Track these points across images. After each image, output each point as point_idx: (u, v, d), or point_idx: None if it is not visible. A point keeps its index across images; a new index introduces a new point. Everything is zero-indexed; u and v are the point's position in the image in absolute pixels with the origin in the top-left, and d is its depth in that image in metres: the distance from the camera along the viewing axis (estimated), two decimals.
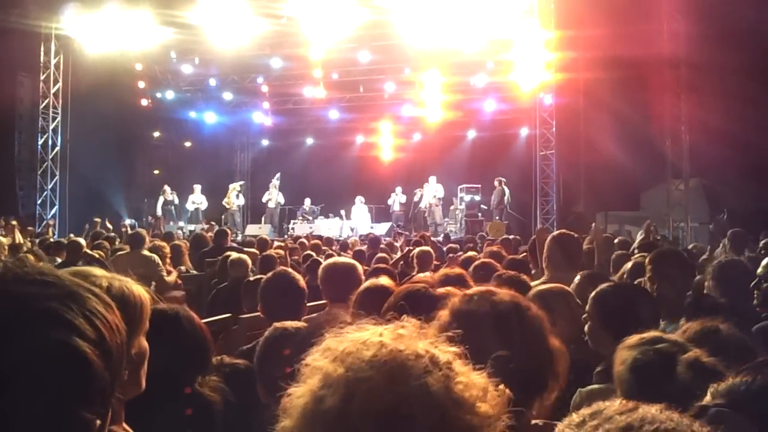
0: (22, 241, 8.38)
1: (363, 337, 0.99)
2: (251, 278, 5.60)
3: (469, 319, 1.53)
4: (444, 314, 1.58)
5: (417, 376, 0.92)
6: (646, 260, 3.65)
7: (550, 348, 1.56)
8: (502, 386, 1.02)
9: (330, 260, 4.02)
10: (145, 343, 1.50)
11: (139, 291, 1.50)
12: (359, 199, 20.89)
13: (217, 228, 11.45)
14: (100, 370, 0.90)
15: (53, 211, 18.48)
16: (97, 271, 1.47)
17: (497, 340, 1.43)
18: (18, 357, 0.83)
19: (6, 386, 0.82)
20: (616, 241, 8.20)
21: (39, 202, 18.37)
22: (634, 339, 1.89)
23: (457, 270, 3.69)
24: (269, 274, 3.62)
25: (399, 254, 8.88)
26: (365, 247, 10.45)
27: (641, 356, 1.81)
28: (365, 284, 3.10)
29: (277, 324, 2.48)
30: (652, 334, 1.92)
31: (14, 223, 9.38)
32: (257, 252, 8.59)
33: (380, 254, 8.44)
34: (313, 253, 8.16)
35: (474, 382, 0.97)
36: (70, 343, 0.87)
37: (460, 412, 0.92)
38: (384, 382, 0.91)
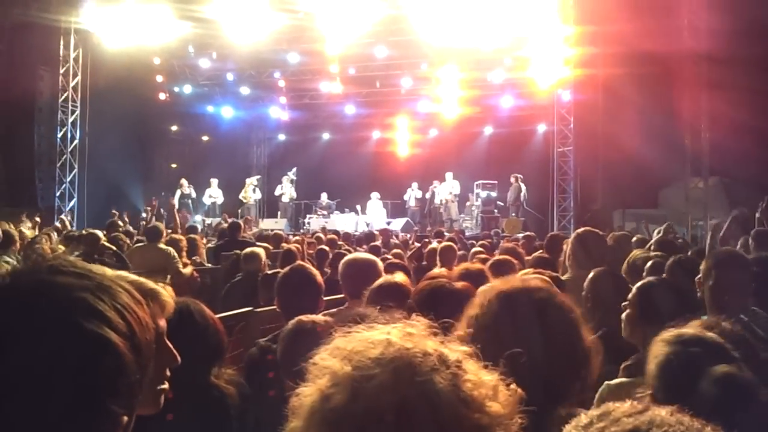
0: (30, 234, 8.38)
1: (371, 336, 0.98)
2: (269, 272, 5.60)
3: (509, 304, 1.51)
4: (477, 303, 1.57)
5: (423, 373, 0.90)
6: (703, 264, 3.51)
7: (586, 344, 1.53)
8: (514, 386, 1.00)
9: (350, 256, 3.99)
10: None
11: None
12: (375, 195, 20.89)
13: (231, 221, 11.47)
14: (131, 363, 0.90)
15: (71, 204, 18.62)
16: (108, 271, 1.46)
17: (535, 328, 1.40)
18: (50, 345, 0.84)
19: (37, 373, 0.82)
20: (633, 239, 8.09)
21: (58, 194, 18.51)
22: (671, 334, 1.82)
23: (478, 265, 3.65)
24: (286, 269, 3.60)
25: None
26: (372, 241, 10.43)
27: (673, 357, 1.74)
28: (379, 281, 3.05)
29: (303, 317, 2.45)
30: (694, 332, 1.84)
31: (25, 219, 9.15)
32: (270, 247, 8.61)
33: (396, 250, 8.40)
34: (327, 248, 8.14)
35: (484, 381, 0.95)
36: (102, 333, 0.87)
37: (469, 410, 0.89)
38: (390, 380, 0.89)
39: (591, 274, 3.36)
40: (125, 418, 0.91)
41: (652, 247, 6.30)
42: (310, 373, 0.97)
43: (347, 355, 0.94)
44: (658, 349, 1.79)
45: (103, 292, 0.92)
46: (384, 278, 3.05)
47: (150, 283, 1.43)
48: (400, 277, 3.04)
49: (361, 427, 0.87)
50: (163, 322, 1.44)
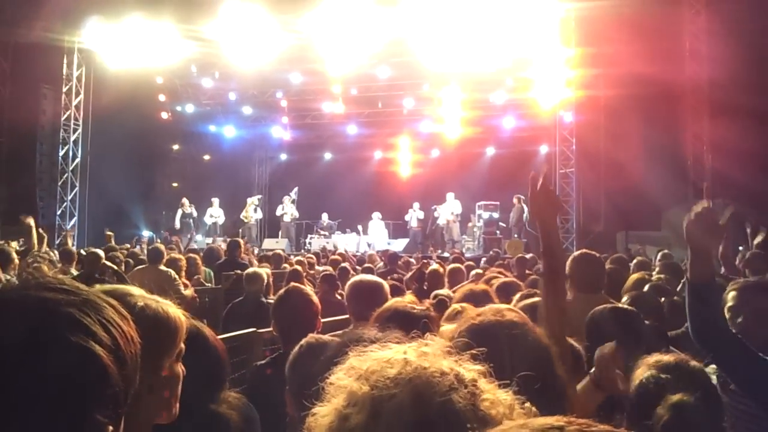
0: (36, 245, 8.25)
1: (387, 356, 0.99)
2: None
3: (479, 333, 1.49)
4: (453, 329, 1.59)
5: (442, 393, 0.91)
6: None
7: (559, 381, 1.48)
8: (528, 404, 1.01)
9: (356, 277, 3.95)
10: (178, 369, 1.49)
11: (176, 314, 1.51)
12: (376, 215, 20.81)
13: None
14: (115, 375, 0.93)
15: (72, 222, 18.63)
16: (135, 290, 1.50)
17: (503, 364, 1.36)
18: (37, 357, 0.87)
19: (24, 383, 0.85)
20: (633, 262, 8.03)
21: (59, 212, 18.52)
22: (654, 359, 1.92)
23: (482, 286, 3.59)
24: (281, 291, 3.54)
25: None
26: (381, 263, 10.35)
27: (646, 381, 1.85)
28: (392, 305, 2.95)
29: (312, 335, 2.40)
30: (672, 359, 1.92)
31: (30, 221, 8.66)
32: (269, 267, 8.54)
33: (398, 273, 8.34)
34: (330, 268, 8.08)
35: (500, 400, 0.96)
36: (87, 346, 0.91)
37: (487, 429, 0.90)
38: (409, 399, 0.90)
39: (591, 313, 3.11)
40: (110, 428, 0.94)
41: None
42: (326, 392, 0.99)
43: (364, 375, 0.96)
44: (640, 372, 1.89)
45: (89, 307, 0.95)
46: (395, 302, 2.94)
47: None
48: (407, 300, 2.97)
49: None
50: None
